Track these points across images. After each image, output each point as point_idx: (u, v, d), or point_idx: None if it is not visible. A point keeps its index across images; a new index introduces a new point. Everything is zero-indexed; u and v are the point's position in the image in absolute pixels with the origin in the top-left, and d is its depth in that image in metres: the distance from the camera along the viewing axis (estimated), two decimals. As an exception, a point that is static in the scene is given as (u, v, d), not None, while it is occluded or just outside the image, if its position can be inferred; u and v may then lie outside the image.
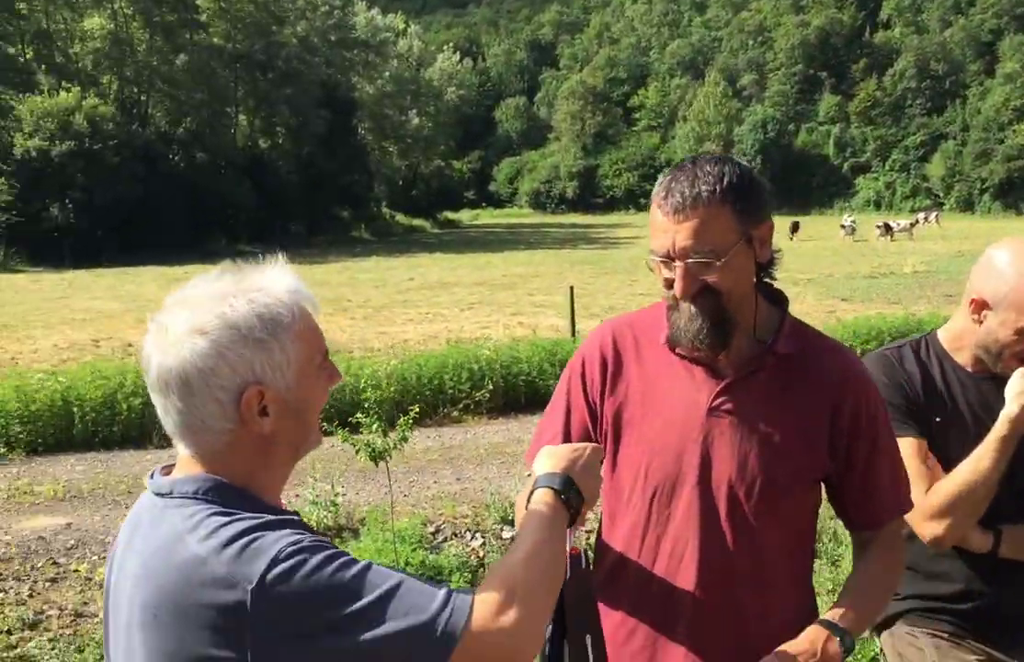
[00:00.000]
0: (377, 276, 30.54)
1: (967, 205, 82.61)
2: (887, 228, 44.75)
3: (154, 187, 44.29)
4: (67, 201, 41.11)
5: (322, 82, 59.82)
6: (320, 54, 62.16)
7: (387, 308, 21.59)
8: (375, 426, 5.62)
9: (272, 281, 1.56)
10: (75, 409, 9.46)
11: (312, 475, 7.51)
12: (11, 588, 5.98)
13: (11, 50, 49.95)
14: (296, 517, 1.54)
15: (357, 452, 5.54)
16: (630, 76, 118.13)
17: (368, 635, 1.34)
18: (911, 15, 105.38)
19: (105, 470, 8.75)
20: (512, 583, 1.45)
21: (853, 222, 47.35)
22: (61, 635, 5.28)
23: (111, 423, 9.47)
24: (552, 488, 1.64)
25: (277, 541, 1.37)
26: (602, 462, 1.89)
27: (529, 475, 1.83)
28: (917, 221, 51.93)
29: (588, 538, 4.35)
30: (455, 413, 10.81)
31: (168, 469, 1.57)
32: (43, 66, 50.52)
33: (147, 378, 1.51)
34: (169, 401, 1.47)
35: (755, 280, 1.98)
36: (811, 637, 1.87)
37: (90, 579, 6.06)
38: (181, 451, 1.53)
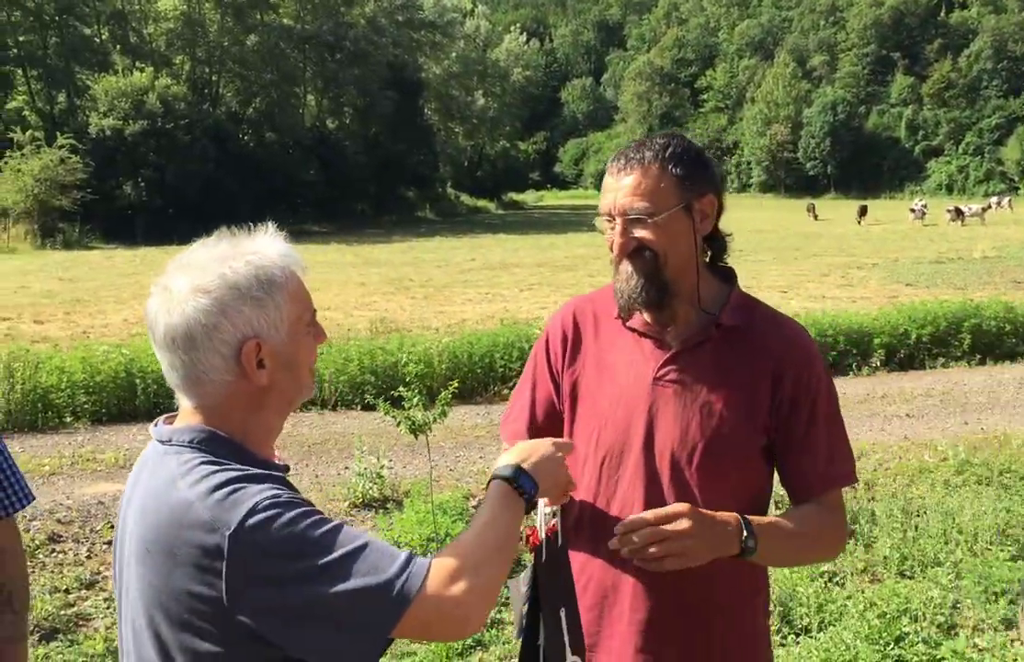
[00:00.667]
0: (440, 256, 30.84)
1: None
2: (958, 212, 43.80)
3: (224, 166, 45.15)
4: (139, 179, 42.15)
5: (389, 63, 60.16)
6: (387, 35, 62.52)
7: (448, 288, 21.86)
8: (416, 400, 5.81)
9: (265, 245, 1.70)
10: (138, 381, 9.84)
11: (359, 448, 7.76)
12: (70, 549, 6.32)
13: (87, 31, 51.18)
14: (283, 472, 1.70)
15: (398, 425, 5.74)
16: (698, 56, 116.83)
17: (331, 589, 1.47)
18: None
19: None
20: (464, 557, 1.59)
21: (924, 206, 46.40)
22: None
23: (171, 394, 9.75)
24: (503, 478, 1.78)
25: (257, 493, 1.51)
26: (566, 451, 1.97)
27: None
28: (990, 206, 50.75)
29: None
30: (505, 391, 11.02)
31: (171, 419, 1.74)
32: (118, 46, 51.71)
33: (153, 338, 1.66)
34: (175, 357, 1.62)
35: (697, 252, 2.08)
36: (680, 507, 1.91)
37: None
38: (183, 404, 1.68)
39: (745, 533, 1.94)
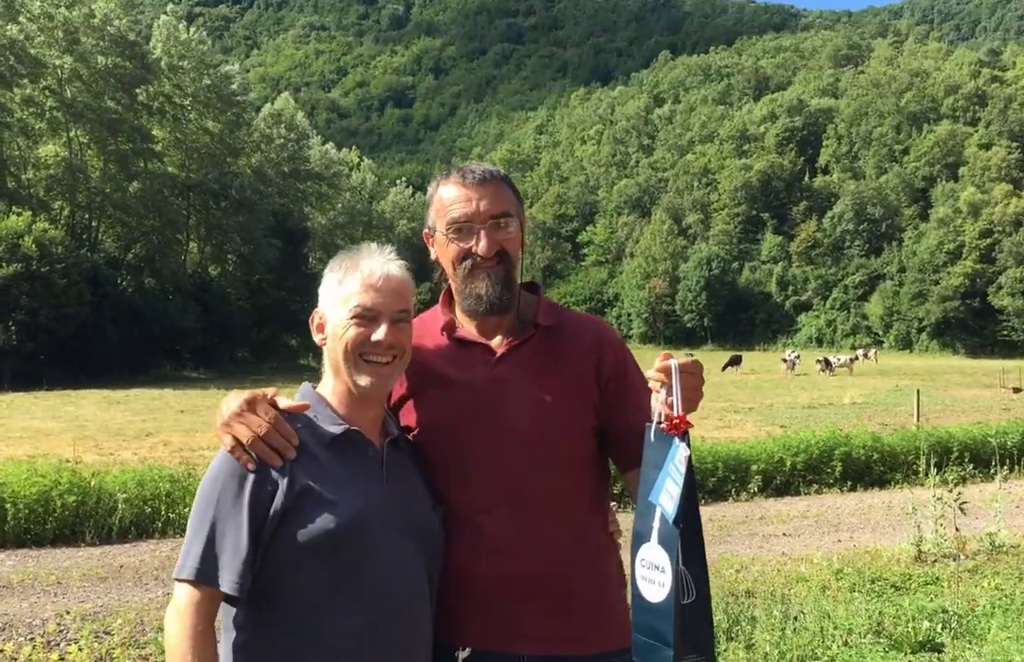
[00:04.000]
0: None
1: (905, 343, 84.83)
2: (827, 363, 45.89)
3: (100, 312, 44.02)
4: (10, 323, 40.66)
5: (274, 212, 60.44)
6: (273, 184, 62.97)
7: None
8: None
9: (355, 256, 2.20)
10: (8, 506, 9.44)
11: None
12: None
13: (-37, 176, 49.86)
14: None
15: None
16: (579, 212, 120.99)
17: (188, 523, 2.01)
18: (848, 161, 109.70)
19: (36, 564, 8.72)
20: None
21: (796, 357, 48.43)
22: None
23: (44, 520, 9.45)
24: None
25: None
26: None
27: None
28: (856, 357, 53.43)
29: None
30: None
31: None
32: (-6, 191, 50.43)
33: None
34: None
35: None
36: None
37: (15, 660, 6.07)
38: None
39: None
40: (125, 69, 52.24)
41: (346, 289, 2.09)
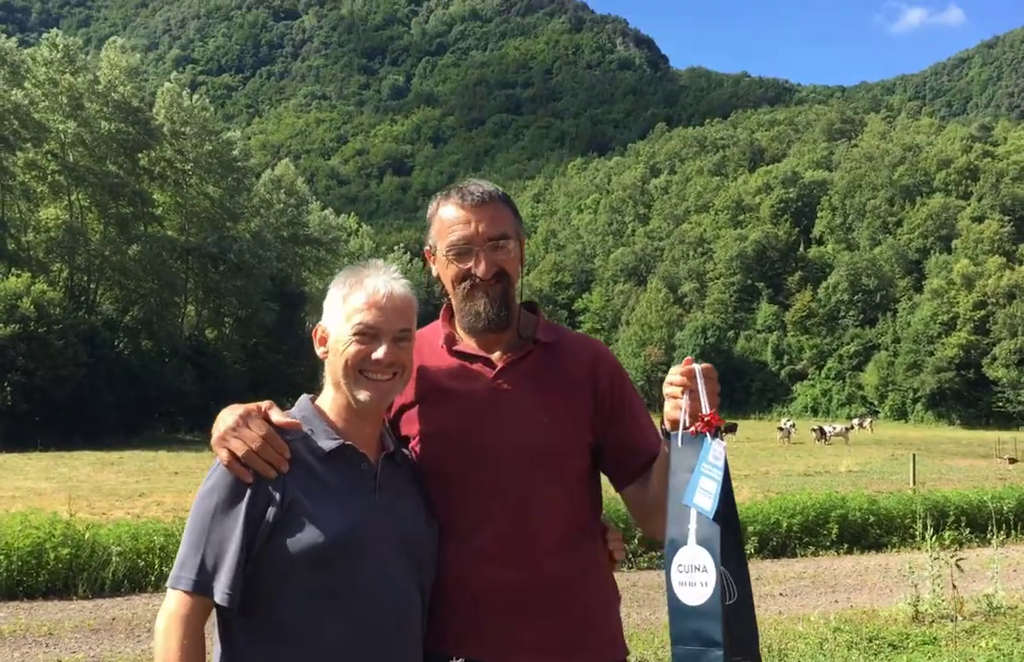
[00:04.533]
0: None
1: (901, 413, 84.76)
2: (822, 432, 45.85)
3: (96, 373, 43.98)
4: (6, 384, 40.57)
5: (272, 276, 60.58)
6: (272, 249, 63.24)
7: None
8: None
9: (361, 271, 2.24)
10: (1, 557, 9.38)
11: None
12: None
13: (-37, 237, 49.98)
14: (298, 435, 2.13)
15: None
16: (575, 280, 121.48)
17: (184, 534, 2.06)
18: (842, 233, 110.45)
19: (28, 616, 8.66)
20: None
21: (791, 425, 48.37)
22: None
23: (37, 573, 9.40)
24: None
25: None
26: None
27: None
28: (852, 426, 53.35)
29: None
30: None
31: None
32: (-6, 252, 50.54)
33: None
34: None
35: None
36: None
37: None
38: None
39: None
40: (128, 134, 52.80)
41: (350, 305, 2.15)
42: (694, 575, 1.89)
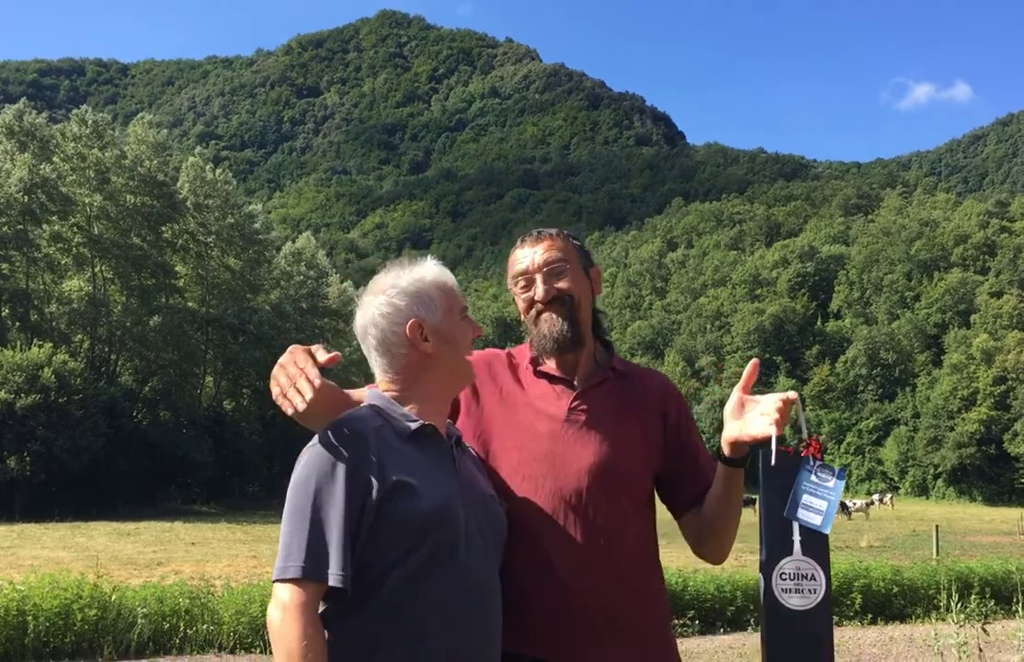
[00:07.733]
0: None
1: (922, 489, 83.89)
2: (843, 508, 45.47)
3: (114, 443, 44.17)
4: (25, 454, 40.71)
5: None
6: (291, 320, 63.52)
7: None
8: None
9: (424, 269, 2.32)
10: (29, 619, 9.44)
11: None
12: None
13: (-14, 309, 50.44)
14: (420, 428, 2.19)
15: None
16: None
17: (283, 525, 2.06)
18: (860, 307, 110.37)
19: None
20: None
21: (811, 499, 47.93)
22: None
23: (64, 634, 9.45)
24: None
25: (317, 437, 2.11)
26: None
27: None
28: (872, 502, 52.95)
29: None
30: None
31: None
32: (17, 323, 51.06)
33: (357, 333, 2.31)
34: (365, 344, 2.28)
35: (592, 313, 2.58)
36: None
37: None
38: (378, 375, 2.30)
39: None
40: (153, 207, 53.60)
41: (451, 297, 2.33)
42: (801, 583, 2.15)
